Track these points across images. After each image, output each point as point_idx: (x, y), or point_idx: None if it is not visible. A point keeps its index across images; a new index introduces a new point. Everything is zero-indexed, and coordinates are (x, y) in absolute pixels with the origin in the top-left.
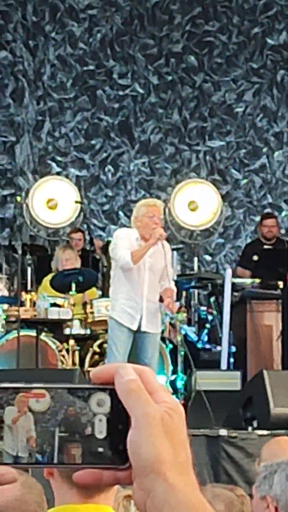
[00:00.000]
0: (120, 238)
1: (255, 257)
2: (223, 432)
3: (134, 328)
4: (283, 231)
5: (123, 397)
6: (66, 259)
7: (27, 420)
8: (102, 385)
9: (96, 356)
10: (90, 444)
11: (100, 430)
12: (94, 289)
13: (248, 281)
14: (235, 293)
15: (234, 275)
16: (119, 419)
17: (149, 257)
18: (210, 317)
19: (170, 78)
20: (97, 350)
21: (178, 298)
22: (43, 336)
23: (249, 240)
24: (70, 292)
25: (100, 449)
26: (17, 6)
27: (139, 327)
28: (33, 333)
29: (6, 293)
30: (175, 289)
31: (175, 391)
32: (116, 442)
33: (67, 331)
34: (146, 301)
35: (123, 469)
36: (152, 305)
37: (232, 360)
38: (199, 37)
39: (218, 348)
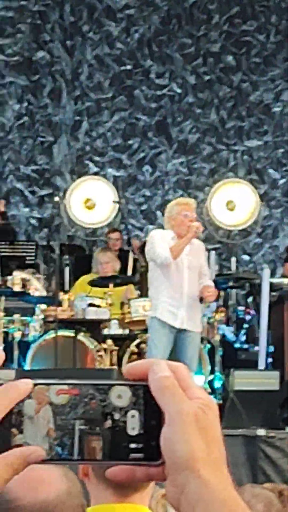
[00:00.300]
0: (157, 238)
1: None
2: (260, 432)
3: (178, 325)
4: None
5: (157, 393)
6: (106, 262)
7: (47, 413)
8: (136, 381)
9: (134, 356)
10: (121, 439)
11: (133, 427)
12: (132, 286)
13: (286, 281)
14: (273, 293)
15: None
16: (152, 415)
17: (186, 255)
18: (248, 317)
19: (207, 77)
20: (135, 350)
21: (216, 298)
22: (80, 336)
23: (287, 240)
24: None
25: (133, 445)
26: (54, 6)
27: (181, 324)
28: (71, 333)
29: (44, 293)
30: (213, 284)
31: (213, 391)
32: (149, 438)
33: (105, 331)
34: (187, 298)
35: (156, 465)
36: (192, 302)
37: (270, 360)
38: (237, 37)
39: (256, 348)
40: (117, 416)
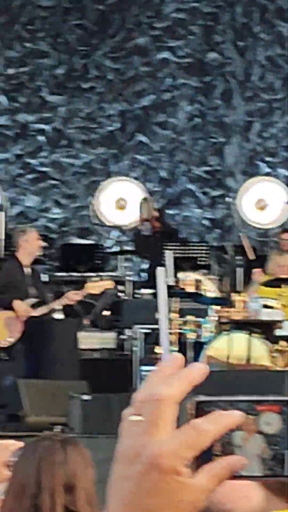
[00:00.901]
0: None
1: None
2: None
3: None
4: None
5: None
6: (285, 265)
7: (256, 442)
8: None
9: None
10: None
11: None
12: None
13: None
14: None
15: None
16: None
17: None
18: None
19: None
20: None
21: None
22: (254, 337)
23: None
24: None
25: None
26: (226, 8)
27: None
28: (244, 334)
29: (217, 294)
30: None
31: None
32: None
33: (278, 332)
34: None
35: None
36: None
37: None
38: None
39: None
40: None
